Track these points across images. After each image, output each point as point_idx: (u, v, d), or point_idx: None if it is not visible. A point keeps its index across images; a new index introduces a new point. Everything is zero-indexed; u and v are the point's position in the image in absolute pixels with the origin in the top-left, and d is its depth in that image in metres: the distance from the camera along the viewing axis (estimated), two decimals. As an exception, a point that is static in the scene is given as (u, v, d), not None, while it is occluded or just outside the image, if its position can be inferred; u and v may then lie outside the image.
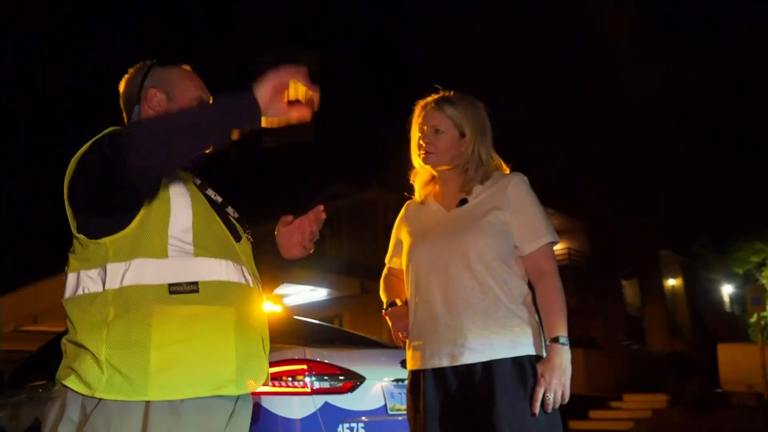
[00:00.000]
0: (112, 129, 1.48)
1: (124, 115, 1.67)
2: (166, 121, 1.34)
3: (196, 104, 1.47)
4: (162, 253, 1.41)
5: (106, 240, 1.39)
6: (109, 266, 1.38)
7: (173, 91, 1.62)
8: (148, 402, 1.33)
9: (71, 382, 1.36)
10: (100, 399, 1.33)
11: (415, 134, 2.06)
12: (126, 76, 1.67)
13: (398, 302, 2.10)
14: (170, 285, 1.39)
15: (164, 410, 1.34)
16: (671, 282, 22.78)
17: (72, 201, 1.43)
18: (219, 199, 1.61)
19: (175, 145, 1.32)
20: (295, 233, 1.73)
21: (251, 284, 1.56)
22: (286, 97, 1.34)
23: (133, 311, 1.35)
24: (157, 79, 1.63)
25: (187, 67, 1.70)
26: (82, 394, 1.34)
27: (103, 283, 1.38)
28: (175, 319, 1.38)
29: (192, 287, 1.41)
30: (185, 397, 1.36)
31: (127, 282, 1.37)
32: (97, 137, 1.46)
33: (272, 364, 2.94)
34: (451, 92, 2.05)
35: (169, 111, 1.39)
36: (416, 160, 2.07)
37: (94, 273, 1.40)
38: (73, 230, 1.44)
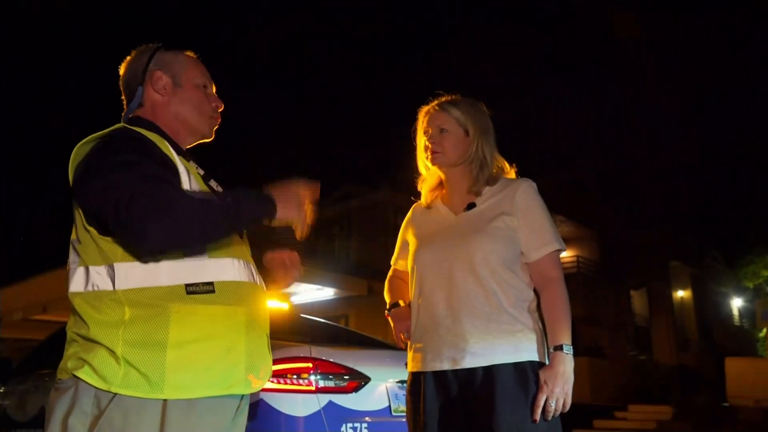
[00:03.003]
0: (119, 127, 1.48)
1: (123, 97, 1.66)
2: (191, 209, 1.33)
3: (218, 196, 1.43)
4: (177, 254, 1.40)
5: (119, 239, 1.38)
6: (119, 265, 1.38)
7: (179, 76, 1.63)
8: (165, 399, 1.34)
9: (85, 374, 1.35)
10: (116, 393, 1.32)
11: (420, 140, 2.07)
12: (128, 58, 1.66)
13: (401, 303, 2.11)
14: (187, 285, 1.39)
15: (182, 408, 1.35)
16: (680, 293, 22.62)
17: (81, 201, 1.42)
18: (220, 190, 1.60)
19: (194, 234, 1.37)
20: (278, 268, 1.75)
21: (258, 282, 1.57)
22: (295, 205, 1.50)
23: (151, 311, 1.35)
24: (163, 63, 1.63)
25: (191, 54, 1.70)
26: (97, 387, 1.33)
27: (113, 282, 1.37)
28: (193, 319, 1.38)
29: (208, 287, 1.42)
30: (200, 396, 1.37)
31: (139, 283, 1.37)
32: (103, 134, 1.45)
33: (278, 361, 2.97)
34: (452, 96, 2.07)
35: (193, 197, 1.37)
36: (422, 165, 2.09)
37: (103, 270, 1.39)
38: (81, 223, 1.42)
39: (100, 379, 1.33)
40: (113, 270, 1.38)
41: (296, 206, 1.49)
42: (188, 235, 1.35)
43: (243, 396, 1.52)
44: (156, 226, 1.27)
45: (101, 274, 1.39)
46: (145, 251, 1.35)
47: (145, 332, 1.35)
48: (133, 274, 1.37)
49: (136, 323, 1.35)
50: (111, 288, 1.37)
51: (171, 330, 1.35)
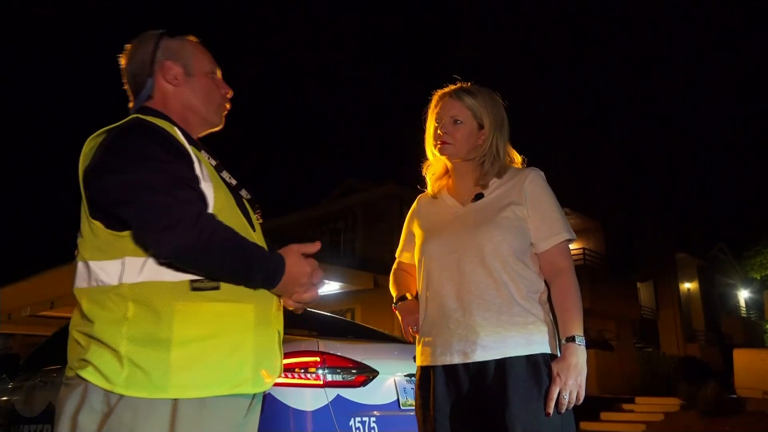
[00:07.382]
0: (134, 119, 1.45)
1: (128, 88, 1.62)
2: (218, 240, 1.34)
3: (246, 243, 1.41)
4: None
5: (127, 233, 1.35)
6: (129, 260, 1.35)
7: (190, 65, 1.60)
8: (174, 398, 1.32)
9: (89, 375, 1.33)
10: (122, 395, 1.30)
11: (431, 124, 2.02)
12: (128, 48, 1.61)
13: (408, 297, 2.07)
14: (192, 281, 1.36)
15: (193, 406, 1.33)
16: (687, 285, 22.57)
17: (94, 195, 1.39)
18: (234, 182, 1.58)
19: (210, 266, 1.36)
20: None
21: None
22: (303, 286, 1.49)
23: (155, 307, 1.33)
24: (171, 52, 1.59)
25: (194, 39, 1.66)
26: (102, 388, 1.31)
27: (120, 277, 1.35)
28: (197, 317, 1.35)
29: (213, 284, 1.38)
30: (206, 395, 1.34)
31: (145, 277, 1.34)
32: (119, 126, 1.43)
33: (285, 356, 2.93)
34: (469, 84, 2.02)
35: (224, 231, 1.37)
36: (430, 150, 2.04)
37: (107, 264, 1.36)
38: (86, 215, 1.40)
39: (104, 380, 1.31)
40: (117, 265, 1.36)
41: (297, 288, 1.49)
42: (204, 263, 1.35)
43: (255, 394, 1.49)
44: (180, 244, 1.30)
45: (105, 269, 1.37)
46: (156, 255, 1.35)
47: (148, 330, 1.32)
48: (137, 268, 1.35)
49: (140, 320, 1.33)
50: (116, 282, 1.35)
51: (175, 328, 1.33)
